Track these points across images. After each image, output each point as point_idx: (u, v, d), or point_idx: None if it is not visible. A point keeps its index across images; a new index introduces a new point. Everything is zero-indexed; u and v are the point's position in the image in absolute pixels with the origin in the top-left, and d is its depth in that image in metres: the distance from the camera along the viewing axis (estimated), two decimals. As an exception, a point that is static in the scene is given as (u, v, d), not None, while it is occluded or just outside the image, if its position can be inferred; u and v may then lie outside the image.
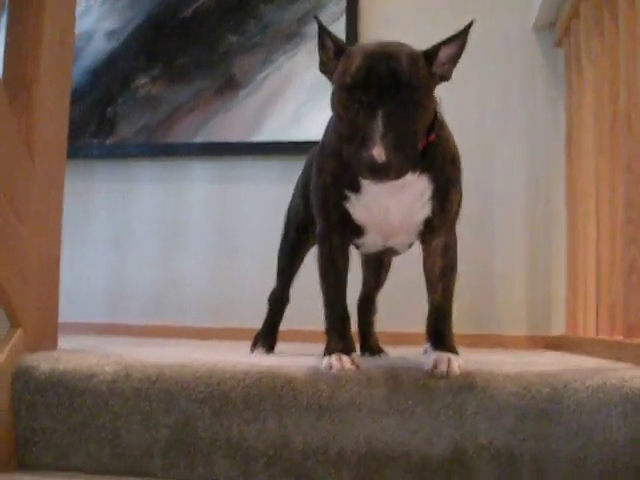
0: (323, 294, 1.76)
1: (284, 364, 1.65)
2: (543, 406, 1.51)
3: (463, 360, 1.61)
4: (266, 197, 3.52)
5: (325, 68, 1.63)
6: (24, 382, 1.64)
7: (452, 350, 1.64)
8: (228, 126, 3.57)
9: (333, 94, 1.55)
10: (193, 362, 1.66)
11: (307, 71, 3.50)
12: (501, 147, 3.36)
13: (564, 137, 3.20)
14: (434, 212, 1.65)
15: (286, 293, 2.32)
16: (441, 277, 1.71)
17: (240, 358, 1.84)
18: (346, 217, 1.68)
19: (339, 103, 1.50)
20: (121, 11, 3.73)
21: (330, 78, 1.62)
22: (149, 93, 3.65)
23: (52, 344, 1.86)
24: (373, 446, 1.53)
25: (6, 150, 1.63)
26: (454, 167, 1.69)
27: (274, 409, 1.55)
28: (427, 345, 1.70)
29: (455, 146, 1.72)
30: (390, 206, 1.63)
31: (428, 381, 1.55)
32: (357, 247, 1.85)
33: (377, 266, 2.28)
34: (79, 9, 3.71)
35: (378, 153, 1.38)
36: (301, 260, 2.28)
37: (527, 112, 3.38)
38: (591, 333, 2.62)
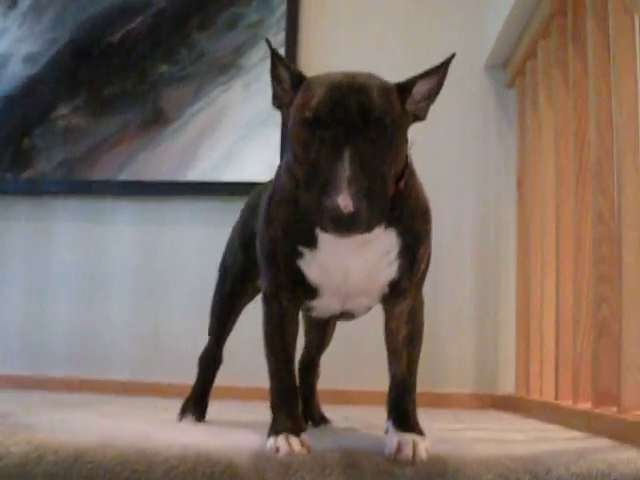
0: (268, 363, 1.58)
1: (224, 444, 1.47)
2: None
3: (429, 441, 1.45)
4: (197, 242, 3.39)
5: (279, 102, 1.47)
6: None
7: (417, 430, 1.48)
8: (156, 163, 3.41)
9: (289, 130, 1.38)
10: (117, 441, 1.46)
11: (243, 105, 3.39)
12: (450, 192, 3.28)
13: (515, 177, 3.17)
14: (401, 273, 1.49)
15: (219, 353, 2.14)
16: (405, 345, 1.55)
17: (172, 434, 1.67)
18: (298, 276, 1.50)
19: (297, 141, 1.34)
20: (41, 33, 3.55)
21: (285, 114, 1.45)
22: (70, 124, 3.49)
23: None
24: None
25: None
26: (424, 220, 1.53)
27: (212, 502, 1.35)
28: (388, 423, 1.53)
29: (425, 196, 1.56)
30: (351, 265, 1.45)
31: (391, 467, 1.37)
32: (307, 310, 1.66)
33: (323, 324, 2.10)
34: None
35: (344, 201, 1.21)
36: (237, 315, 2.11)
37: (478, 155, 3.32)
38: (548, 396, 2.52)
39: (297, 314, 1.60)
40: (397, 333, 1.56)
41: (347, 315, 1.69)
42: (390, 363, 1.57)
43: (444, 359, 3.19)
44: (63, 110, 3.48)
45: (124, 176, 3.41)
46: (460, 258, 3.26)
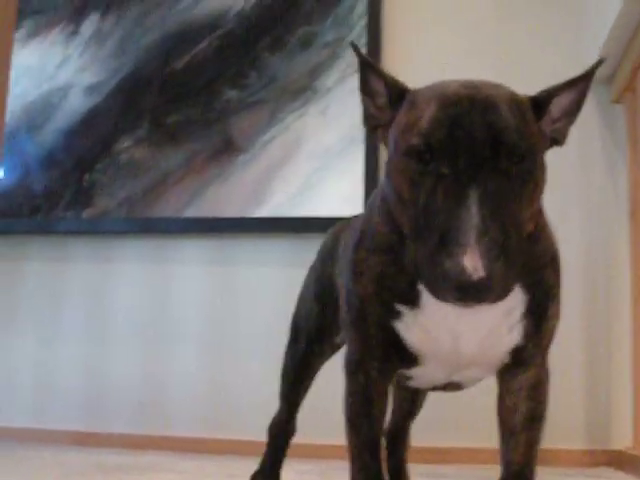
0: (349, 446, 1.33)
1: None
2: None
3: None
4: (269, 283, 3.29)
5: (374, 122, 1.21)
6: None
7: None
8: (225, 198, 3.34)
9: (389, 161, 1.12)
10: None
11: (320, 133, 3.29)
12: (552, 224, 3.06)
13: (627, 209, 3.04)
14: (527, 337, 1.23)
15: (292, 421, 1.94)
16: (525, 427, 1.29)
17: None
18: (394, 342, 1.25)
19: (401, 176, 1.07)
20: (104, 61, 3.52)
21: (382, 137, 1.20)
22: (132, 158, 3.44)
23: None
24: None
25: None
26: (554, 271, 1.26)
27: None
28: None
29: (555, 240, 1.28)
30: (462, 329, 1.20)
31: None
32: (403, 380, 1.42)
33: (414, 388, 1.84)
34: (55, 60, 3.54)
35: (473, 262, 0.95)
36: (312, 379, 1.90)
37: (581, 180, 3.18)
38: None
39: (387, 387, 1.35)
40: (515, 411, 1.30)
41: (453, 387, 1.44)
42: (503, 446, 1.31)
43: (551, 410, 2.95)
44: (125, 142, 3.45)
45: (190, 213, 3.36)
46: (567, 300, 3.11)
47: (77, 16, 3.54)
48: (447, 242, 0.96)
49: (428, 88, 1.13)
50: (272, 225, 3.25)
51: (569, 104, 1.18)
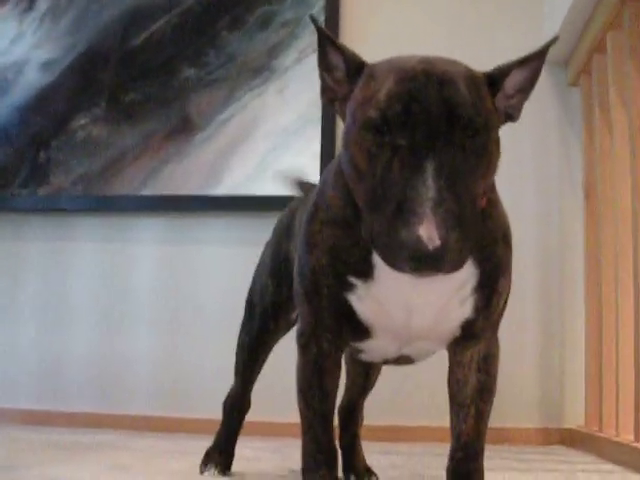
0: (301, 418, 1.35)
1: None
2: None
3: None
4: (226, 261, 3.31)
5: (331, 95, 1.21)
6: None
7: None
8: (182, 177, 3.33)
9: (346, 134, 1.12)
10: None
11: (278, 111, 3.29)
12: (507, 205, 3.07)
13: (582, 190, 3.07)
14: (477, 311, 1.24)
15: (246, 396, 1.95)
16: (475, 399, 1.31)
17: None
18: (346, 313, 1.25)
19: (358, 148, 1.07)
20: (59, 39, 3.47)
21: (340, 111, 1.21)
22: (89, 135, 3.41)
23: None
24: None
25: None
26: (506, 244, 1.28)
27: None
28: None
29: (506, 214, 1.30)
30: (415, 301, 1.20)
31: None
32: (355, 353, 1.42)
33: (367, 363, 1.85)
34: (9, 35, 3.50)
35: (429, 232, 0.95)
36: (267, 354, 1.91)
37: (538, 163, 3.23)
38: (627, 436, 2.35)
39: (340, 359, 1.36)
40: (465, 383, 1.32)
41: (404, 360, 1.44)
42: (453, 418, 1.33)
43: (505, 390, 2.91)
44: (82, 120, 3.41)
45: (148, 191, 3.35)
46: (520, 279, 3.03)
47: None
48: (403, 212, 0.97)
49: (386, 62, 1.14)
50: (229, 203, 3.27)
51: (523, 81, 1.20)
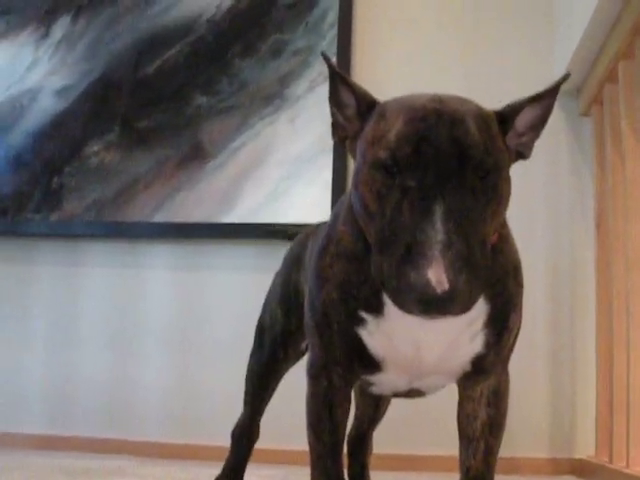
0: (310, 451, 1.35)
1: None
2: None
3: None
4: (238, 288, 3.32)
5: (342, 133, 1.21)
6: None
7: None
8: (193, 204, 3.35)
9: (357, 172, 1.12)
10: None
11: (289, 140, 3.30)
12: (517, 237, 3.07)
13: (593, 226, 3.05)
14: (488, 346, 1.24)
15: (255, 426, 1.96)
16: (484, 434, 1.31)
17: None
18: (357, 348, 1.26)
19: (368, 188, 1.08)
20: (74, 65, 3.50)
21: (350, 149, 1.21)
22: (102, 162, 3.43)
23: None
24: None
25: None
26: (517, 281, 1.28)
27: None
28: None
29: (517, 251, 1.31)
30: (425, 337, 1.20)
31: None
32: (366, 386, 1.43)
33: (377, 395, 1.85)
34: (25, 62, 3.53)
35: (438, 276, 0.95)
36: (276, 383, 1.93)
37: (549, 193, 3.21)
38: (637, 467, 2.36)
39: (350, 392, 1.36)
40: (475, 418, 1.32)
41: (415, 393, 1.44)
42: (462, 452, 1.33)
43: (515, 419, 2.95)
44: (95, 146, 3.44)
45: (159, 217, 3.36)
46: (531, 309, 3.10)
47: (47, 18, 3.53)
48: (412, 255, 0.97)
49: (396, 101, 1.13)
50: (241, 231, 3.27)
51: (534, 118, 1.20)
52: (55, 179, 3.40)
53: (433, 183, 1.00)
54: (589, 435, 2.94)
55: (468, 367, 1.26)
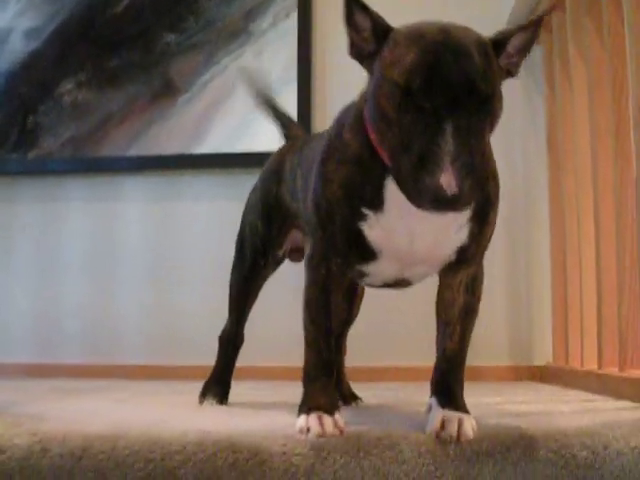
0: (305, 332, 1.48)
1: (246, 428, 1.37)
2: (580, 474, 1.28)
3: (475, 421, 1.36)
4: (211, 216, 3.36)
5: (359, 52, 1.33)
6: None
7: (462, 409, 1.38)
8: (166, 137, 3.38)
9: (376, 87, 1.26)
10: (129, 429, 1.36)
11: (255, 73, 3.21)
12: None
13: (545, 145, 3.11)
14: (471, 238, 1.39)
15: (240, 331, 2.05)
16: (461, 318, 1.46)
17: (190, 418, 1.58)
18: (357, 239, 1.39)
19: (388, 100, 1.22)
20: (42, 6, 3.46)
21: (367, 66, 1.33)
22: (75, 100, 3.44)
23: None
24: (364, 535, 1.25)
25: None
26: (495, 182, 1.43)
27: (235, 491, 1.26)
28: (431, 400, 1.43)
29: (494, 158, 1.44)
30: (418, 229, 1.34)
31: (433, 447, 1.29)
32: (357, 277, 1.54)
33: (350, 294, 1.98)
34: None
35: (448, 181, 1.13)
36: (258, 289, 2.03)
37: (502, 118, 3.16)
38: (591, 365, 2.46)
39: (344, 282, 1.50)
40: (453, 304, 1.46)
41: (401, 283, 1.56)
42: (439, 336, 1.48)
43: (478, 332, 3.05)
44: (68, 85, 3.42)
45: (134, 151, 3.38)
46: None
47: None
48: (427, 163, 1.14)
49: (408, 30, 1.26)
50: (212, 161, 3.31)
51: (523, 43, 1.33)
52: (30, 118, 3.40)
53: (444, 106, 1.15)
54: (547, 344, 3.02)
55: (453, 256, 1.39)
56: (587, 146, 2.51)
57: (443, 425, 1.30)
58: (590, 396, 2.14)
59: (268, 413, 1.66)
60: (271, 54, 3.30)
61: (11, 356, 3.33)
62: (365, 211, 1.36)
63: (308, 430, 1.30)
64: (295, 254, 2.01)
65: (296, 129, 2.25)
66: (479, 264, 1.47)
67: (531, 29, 1.33)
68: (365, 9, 1.30)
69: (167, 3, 3.40)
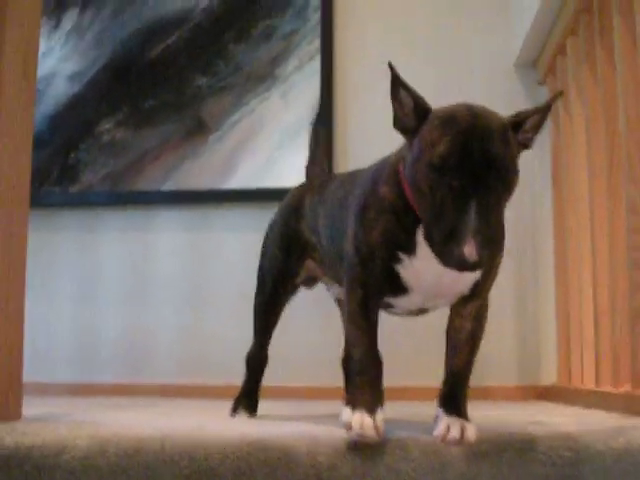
0: (351, 337, 1.64)
1: (276, 432, 1.53)
2: (566, 472, 1.43)
3: (476, 428, 1.52)
4: (239, 246, 3.44)
5: (401, 125, 1.52)
6: (-16, 459, 1.49)
7: (465, 417, 1.56)
8: (198, 173, 3.48)
9: (416, 163, 1.45)
10: (175, 433, 1.52)
11: (280, 114, 3.46)
12: None
13: (550, 180, 3.19)
14: (483, 276, 1.59)
15: (264, 353, 2.20)
16: (468, 341, 1.65)
17: (226, 425, 1.73)
18: (392, 277, 1.60)
19: (424, 181, 1.41)
20: (84, 52, 3.63)
21: (408, 138, 1.52)
22: (114, 138, 3.56)
23: (16, 413, 1.73)
24: (379, 524, 1.40)
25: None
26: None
27: (267, 486, 1.42)
28: (438, 410, 1.60)
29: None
30: (443, 270, 1.51)
31: (439, 448, 1.45)
32: (384, 307, 1.72)
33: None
34: (39, 51, 3.60)
35: (470, 252, 1.32)
36: (279, 315, 2.18)
37: None
38: (590, 383, 2.56)
39: (378, 305, 1.66)
40: (461, 330, 1.65)
41: (421, 312, 1.76)
42: (449, 357, 1.65)
43: (487, 353, 3.05)
44: (106, 125, 3.56)
45: (168, 186, 3.48)
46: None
47: (57, 11, 3.63)
48: (454, 234, 1.33)
49: (445, 113, 1.44)
50: (240, 196, 3.41)
51: (536, 122, 1.52)
52: (72, 155, 3.51)
53: (470, 185, 1.34)
54: (552, 365, 3.10)
55: (467, 291, 1.59)
56: (585, 181, 2.60)
57: (448, 429, 1.47)
58: (587, 411, 2.24)
59: (294, 422, 1.80)
60: (295, 96, 3.40)
61: (54, 377, 3.40)
62: (400, 255, 1.55)
63: (350, 427, 1.44)
64: (309, 282, 2.19)
65: (318, 166, 2.43)
66: (485, 297, 1.66)
67: (543, 111, 1.53)
68: (408, 89, 1.48)
69: (199, 49, 3.51)
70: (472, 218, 1.31)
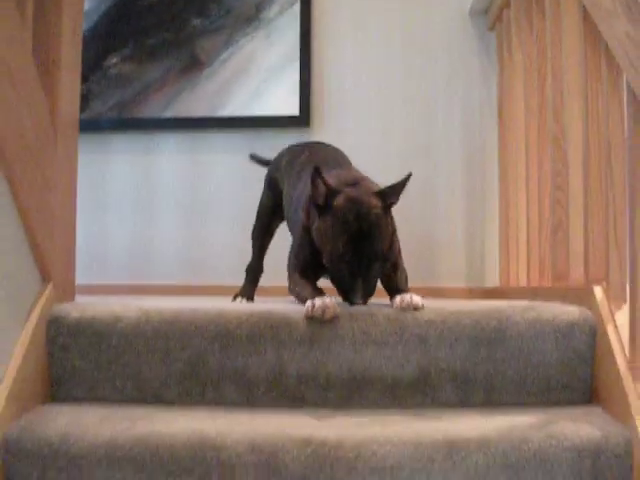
0: (297, 294, 2.04)
1: (278, 307, 1.85)
2: (491, 335, 1.76)
3: (421, 297, 1.87)
4: (231, 166, 3.58)
5: (315, 200, 1.92)
6: (57, 328, 1.77)
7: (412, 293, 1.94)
8: (195, 102, 3.60)
9: (323, 238, 1.91)
10: (204, 306, 1.85)
11: (265, 52, 3.59)
12: (442, 123, 3.54)
13: (496, 111, 3.38)
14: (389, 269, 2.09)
15: (261, 264, 2.66)
16: (393, 275, 2.10)
17: (237, 305, 2.04)
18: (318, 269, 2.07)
19: (331, 250, 1.86)
20: None
21: (317, 211, 1.92)
22: (120, 71, 3.67)
23: (72, 297, 2.02)
24: (354, 371, 1.75)
25: (40, 130, 1.82)
26: (399, 255, 2.14)
27: (272, 343, 1.75)
28: (392, 301, 1.96)
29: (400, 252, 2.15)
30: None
31: (398, 316, 1.79)
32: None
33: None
34: None
35: (358, 301, 1.82)
36: (271, 236, 2.65)
37: (464, 90, 3.54)
38: (523, 283, 2.79)
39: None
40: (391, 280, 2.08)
41: None
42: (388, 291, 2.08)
43: (441, 260, 3.47)
44: (114, 59, 3.69)
45: (168, 113, 3.60)
46: (453, 183, 3.52)
47: None
48: (350, 293, 1.84)
49: (342, 205, 1.88)
50: (231, 122, 3.58)
51: (397, 192, 1.95)
52: (83, 86, 3.50)
53: (359, 265, 1.83)
54: (494, 271, 3.35)
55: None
56: (522, 119, 2.78)
57: (402, 301, 1.84)
58: (517, 301, 2.39)
59: (285, 305, 2.06)
60: (278, 36, 3.58)
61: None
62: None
63: (314, 305, 1.79)
64: None
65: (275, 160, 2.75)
66: (398, 262, 2.10)
67: (402, 185, 1.93)
68: (325, 182, 1.89)
69: (194, -7, 3.60)
70: (360, 287, 1.81)
